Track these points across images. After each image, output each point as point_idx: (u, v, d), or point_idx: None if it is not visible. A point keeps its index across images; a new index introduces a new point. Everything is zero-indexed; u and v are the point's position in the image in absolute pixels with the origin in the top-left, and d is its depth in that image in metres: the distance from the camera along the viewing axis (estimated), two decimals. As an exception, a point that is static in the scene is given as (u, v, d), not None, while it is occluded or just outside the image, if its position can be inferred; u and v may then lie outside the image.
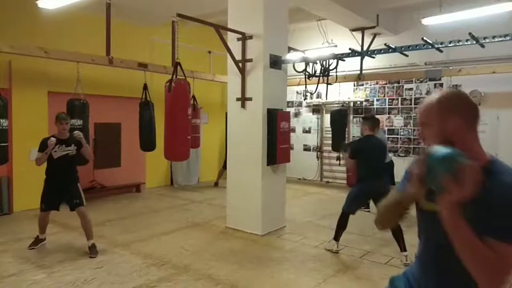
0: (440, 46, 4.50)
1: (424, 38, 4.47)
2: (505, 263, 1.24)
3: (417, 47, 4.56)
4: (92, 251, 4.41)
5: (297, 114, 10.13)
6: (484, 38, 4.25)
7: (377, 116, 8.38)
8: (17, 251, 4.52)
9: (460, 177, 1.23)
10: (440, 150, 1.30)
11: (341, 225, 4.61)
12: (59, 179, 4.48)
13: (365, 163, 4.48)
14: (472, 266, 1.26)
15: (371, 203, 5.23)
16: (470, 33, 4.22)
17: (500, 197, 1.27)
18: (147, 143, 6.66)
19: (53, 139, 4.33)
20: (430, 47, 4.50)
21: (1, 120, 4.98)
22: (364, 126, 4.70)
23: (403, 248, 4.24)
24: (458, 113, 1.38)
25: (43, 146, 4.38)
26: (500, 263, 1.24)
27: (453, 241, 1.28)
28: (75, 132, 4.50)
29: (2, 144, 5.03)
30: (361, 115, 8.93)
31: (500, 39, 4.18)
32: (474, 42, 4.27)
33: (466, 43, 4.31)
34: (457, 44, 4.37)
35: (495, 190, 1.28)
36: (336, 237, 4.63)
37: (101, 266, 4.08)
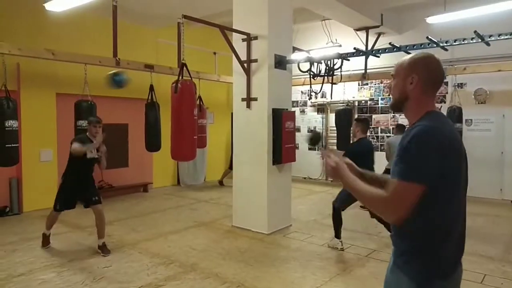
0: (445, 44, 4.50)
1: (429, 37, 4.47)
2: (393, 195, 1.44)
3: (422, 46, 4.56)
4: (104, 250, 4.48)
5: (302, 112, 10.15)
6: (490, 36, 4.24)
7: (381, 116, 8.48)
8: (27, 250, 4.60)
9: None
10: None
11: (337, 221, 4.69)
12: (82, 180, 4.58)
13: (359, 165, 4.52)
14: (372, 207, 1.56)
15: None
16: (475, 31, 4.22)
17: (404, 138, 1.50)
18: (153, 144, 6.72)
19: (91, 146, 4.47)
20: (435, 45, 4.50)
21: (11, 122, 5.05)
22: (357, 128, 4.82)
23: None
24: (418, 73, 1.54)
25: (79, 141, 4.46)
26: (391, 198, 1.45)
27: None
28: (103, 146, 4.61)
29: (13, 145, 5.10)
30: (366, 114, 8.94)
31: (506, 37, 4.17)
32: (480, 40, 4.27)
33: (471, 41, 4.31)
34: (462, 42, 4.36)
35: (405, 134, 1.52)
36: (337, 235, 4.69)
37: (110, 265, 4.14)
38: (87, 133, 4.65)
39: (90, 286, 3.63)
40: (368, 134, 4.91)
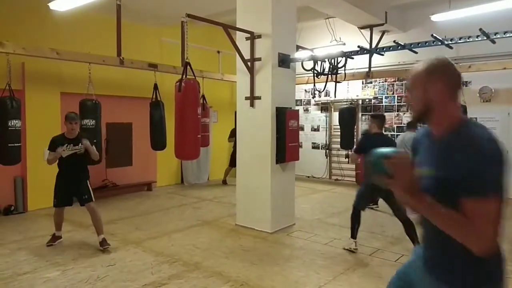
0: (450, 42, 4.47)
1: (434, 35, 4.44)
2: (480, 220, 1.28)
3: (427, 43, 4.53)
4: (103, 243, 4.53)
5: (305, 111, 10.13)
6: (495, 34, 4.21)
7: (385, 114, 8.38)
8: (32, 249, 4.62)
9: (392, 172, 1.37)
10: (376, 152, 1.45)
11: (354, 221, 4.63)
12: (69, 176, 4.63)
13: None
14: (453, 235, 1.34)
15: (380, 200, 5.23)
16: (480, 29, 4.19)
17: (459, 149, 1.36)
18: (158, 143, 6.73)
19: (60, 147, 4.50)
20: (440, 43, 4.47)
21: (14, 121, 5.08)
22: (372, 124, 4.78)
23: (417, 241, 4.21)
24: (441, 80, 1.46)
25: (52, 145, 4.56)
26: (476, 222, 1.28)
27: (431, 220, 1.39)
28: (83, 140, 4.61)
29: (15, 145, 5.13)
30: (370, 113, 8.91)
31: (511, 34, 4.14)
32: (485, 38, 4.23)
33: (476, 39, 4.28)
34: (468, 40, 4.33)
35: (457, 146, 1.38)
36: (353, 235, 4.62)
37: (114, 264, 4.15)
38: (65, 132, 4.68)
39: (94, 284, 3.64)
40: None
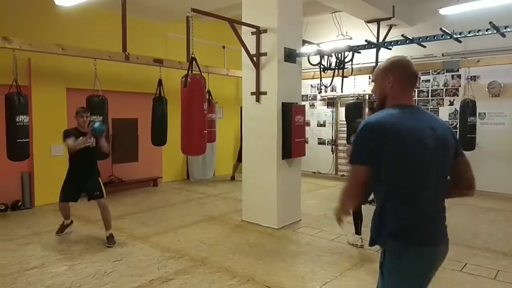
0: (459, 36, 4.39)
1: (443, 29, 4.37)
2: (347, 180, 1.82)
3: (435, 37, 4.47)
4: (110, 241, 4.55)
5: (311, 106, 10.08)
6: (506, 27, 4.13)
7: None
8: (39, 244, 4.65)
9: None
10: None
11: (356, 217, 4.61)
12: (81, 171, 4.66)
13: None
14: (346, 199, 1.88)
15: None
16: (490, 22, 4.12)
17: None
18: (158, 138, 6.74)
19: (73, 138, 4.50)
20: (449, 37, 4.40)
21: (22, 117, 5.09)
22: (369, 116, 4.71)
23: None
24: (393, 74, 1.83)
25: (66, 135, 4.55)
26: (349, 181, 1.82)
27: None
28: (95, 123, 4.66)
29: (24, 140, 5.15)
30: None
31: (522, 28, 4.06)
32: (495, 31, 4.16)
33: (486, 33, 4.20)
34: (477, 34, 4.26)
35: None
36: (357, 231, 4.61)
37: (121, 259, 4.17)
38: (76, 126, 4.70)
39: (101, 279, 3.66)
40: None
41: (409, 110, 1.78)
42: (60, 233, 4.85)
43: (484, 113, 7.59)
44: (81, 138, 4.50)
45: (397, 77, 1.81)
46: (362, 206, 4.60)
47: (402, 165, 1.67)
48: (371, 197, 2.03)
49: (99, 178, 4.73)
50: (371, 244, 1.84)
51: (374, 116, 1.76)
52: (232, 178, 9.15)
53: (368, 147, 1.71)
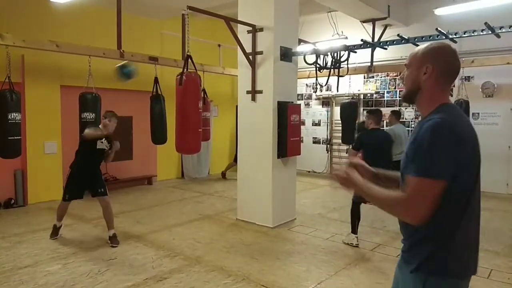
0: (455, 36, 4.42)
1: (438, 29, 4.40)
2: (412, 194, 1.37)
3: (431, 37, 4.48)
4: (113, 240, 4.52)
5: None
6: (500, 28, 4.16)
7: (387, 109, 8.36)
8: (32, 242, 4.61)
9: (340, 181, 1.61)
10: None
11: (354, 216, 4.62)
12: (90, 168, 4.66)
13: (370, 155, 4.51)
14: (387, 211, 1.46)
15: None
16: (486, 23, 4.14)
17: (419, 137, 1.41)
18: (159, 136, 6.69)
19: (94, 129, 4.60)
20: (444, 37, 4.42)
21: (14, 114, 5.04)
22: (369, 120, 4.80)
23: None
24: (433, 63, 1.48)
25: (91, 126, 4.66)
26: (411, 197, 1.37)
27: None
28: (116, 143, 4.68)
29: (15, 138, 5.10)
30: (372, 108, 8.87)
31: (517, 29, 4.09)
32: (490, 32, 4.19)
33: (481, 33, 4.23)
34: (472, 34, 4.28)
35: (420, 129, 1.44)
36: (353, 230, 4.62)
37: (115, 258, 4.14)
38: (100, 125, 4.74)
39: (96, 278, 3.63)
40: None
41: (464, 115, 1.52)
42: (55, 236, 4.75)
43: (478, 114, 7.65)
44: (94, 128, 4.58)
45: (438, 69, 1.47)
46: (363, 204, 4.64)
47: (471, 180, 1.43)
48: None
49: (102, 177, 4.78)
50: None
51: (443, 115, 1.42)
52: (223, 175, 9.12)
53: (449, 155, 1.37)
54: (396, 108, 8.62)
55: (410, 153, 1.43)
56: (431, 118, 1.41)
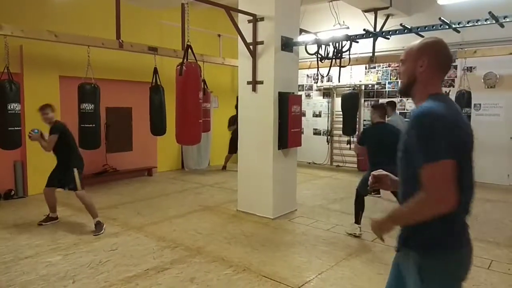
0: (458, 26, 4.36)
1: (442, 18, 4.34)
2: (431, 183, 1.39)
3: (434, 27, 4.43)
4: (97, 227, 4.62)
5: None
6: (505, 17, 4.10)
7: (388, 100, 8.34)
8: (33, 233, 4.61)
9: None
10: None
11: (358, 208, 4.64)
12: (57, 164, 4.86)
13: (375, 149, 4.53)
14: (423, 216, 1.45)
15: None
16: (490, 12, 4.08)
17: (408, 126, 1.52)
18: (158, 128, 6.66)
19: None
20: (447, 27, 4.37)
21: (14, 105, 5.01)
22: (374, 115, 4.83)
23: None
24: (428, 57, 1.59)
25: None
26: (427, 187, 1.40)
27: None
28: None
29: (16, 128, 5.08)
30: (373, 98, 8.84)
31: (521, 18, 4.03)
32: (494, 21, 4.13)
33: (485, 22, 4.17)
34: (476, 24, 4.22)
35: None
36: (357, 220, 4.64)
37: (116, 248, 4.14)
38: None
39: (96, 269, 3.63)
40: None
41: (452, 102, 1.59)
42: (44, 223, 4.88)
43: (480, 104, 7.61)
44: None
45: (432, 61, 1.58)
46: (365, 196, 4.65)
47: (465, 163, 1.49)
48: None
49: (74, 170, 4.70)
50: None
51: (431, 105, 1.50)
52: (224, 168, 9.12)
53: (445, 136, 1.43)
54: (398, 99, 8.60)
55: (405, 144, 1.54)
56: (420, 107, 1.52)
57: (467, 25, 4.29)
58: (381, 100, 8.83)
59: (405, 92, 1.68)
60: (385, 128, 4.71)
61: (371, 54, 7.57)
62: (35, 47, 6.14)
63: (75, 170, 4.70)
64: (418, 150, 1.44)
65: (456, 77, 7.83)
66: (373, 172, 1.88)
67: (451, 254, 1.52)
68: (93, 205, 4.75)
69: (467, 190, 1.51)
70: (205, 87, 7.49)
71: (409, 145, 1.50)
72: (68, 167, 4.71)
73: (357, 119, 8.55)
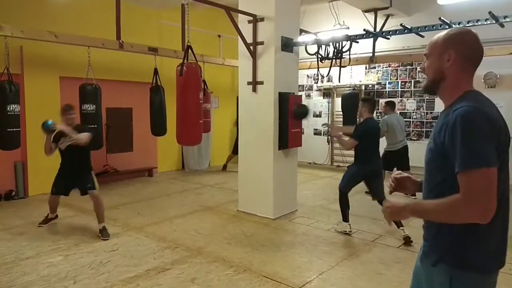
0: (458, 26, 4.36)
1: (442, 18, 4.34)
2: (469, 190, 1.26)
3: (434, 27, 4.43)
4: (104, 233, 4.50)
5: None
6: (505, 17, 4.10)
7: (388, 99, 8.33)
8: (34, 234, 4.62)
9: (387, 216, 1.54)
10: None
11: (344, 206, 4.67)
12: (70, 168, 4.62)
13: (367, 145, 4.56)
14: (450, 220, 1.35)
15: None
16: (490, 12, 4.08)
17: (449, 126, 1.34)
18: (158, 128, 6.67)
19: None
20: (448, 27, 4.36)
21: (13, 106, 5.02)
22: (363, 108, 4.67)
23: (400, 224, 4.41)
24: (455, 49, 1.42)
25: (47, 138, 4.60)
26: (465, 193, 1.27)
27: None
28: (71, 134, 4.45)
29: (15, 129, 5.09)
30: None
31: (521, 18, 4.03)
32: (494, 21, 4.13)
33: (485, 22, 4.17)
34: (476, 24, 4.22)
35: (447, 118, 1.37)
36: (345, 218, 4.67)
37: (116, 249, 4.15)
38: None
39: (97, 269, 3.63)
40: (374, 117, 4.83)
41: (491, 101, 1.44)
42: (44, 224, 4.84)
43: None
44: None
45: (460, 54, 1.41)
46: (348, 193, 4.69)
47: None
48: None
49: (92, 172, 4.68)
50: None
51: (476, 104, 1.35)
52: (224, 168, 9.12)
53: (489, 141, 1.30)
54: (398, 99, 8.61)
55: (439, 144, 1.38)
56: (460, 106, 1.34)
57: (467, 25, 4.29)
58: (382, 100, 8.83)
59: (431, 89, 1.52)
60: (376, 124, 4.77)
61: (371, 54, 7.57)
62: (35, 48, 6.14)
63: (92, 172, 4.69)
64: (460, 153, 1.28)
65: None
66: (393, 175, 1.70)
67: (487, 277, 1.42)
68: (104, 209, 4.67)
69: (503, 202, 1.36)
70: (206, 87, 7.49)
71: (446, 148, 1.34)
72: (83, 169, 4.62)
73: (357, 119, 8.52)
